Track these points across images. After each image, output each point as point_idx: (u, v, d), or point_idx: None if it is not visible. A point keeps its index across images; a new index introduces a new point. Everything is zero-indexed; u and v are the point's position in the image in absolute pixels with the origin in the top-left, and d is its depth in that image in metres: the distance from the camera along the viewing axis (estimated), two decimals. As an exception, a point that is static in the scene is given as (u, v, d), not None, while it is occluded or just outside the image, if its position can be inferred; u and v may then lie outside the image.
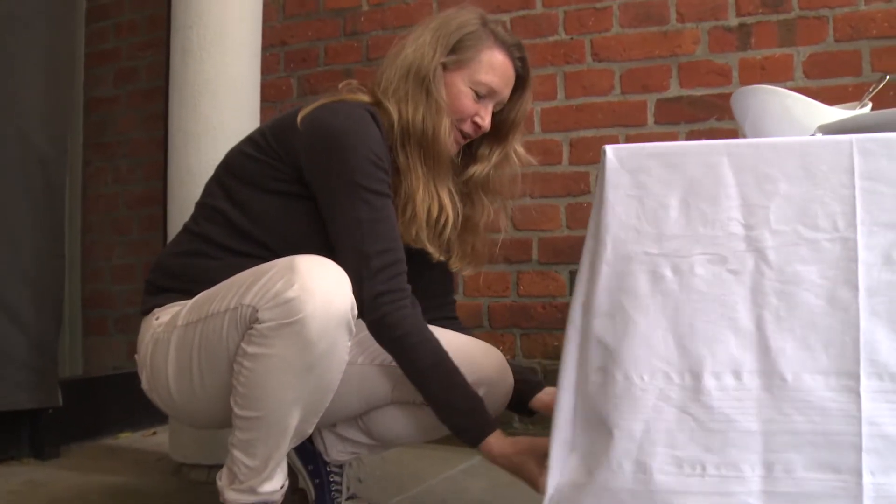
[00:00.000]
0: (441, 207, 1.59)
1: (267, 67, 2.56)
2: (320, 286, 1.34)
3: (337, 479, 1.81)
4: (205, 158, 2.10)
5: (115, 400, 2.65)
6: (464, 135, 1.63)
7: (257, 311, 1.34)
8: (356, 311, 1.40)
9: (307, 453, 1.79)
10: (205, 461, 2.11)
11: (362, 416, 1.72)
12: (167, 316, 1.55)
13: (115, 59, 3.32)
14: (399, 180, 1.59)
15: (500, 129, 1.68)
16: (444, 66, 1.57)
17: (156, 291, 1.63)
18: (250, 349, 1.36)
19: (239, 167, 1.61)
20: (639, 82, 2.41)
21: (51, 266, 2.34)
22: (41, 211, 2.30)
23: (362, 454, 1.82)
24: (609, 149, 1.16)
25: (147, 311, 1.61)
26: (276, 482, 1.47)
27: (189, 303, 1.52)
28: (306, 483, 1.81)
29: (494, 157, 1.68)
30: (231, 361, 1.42)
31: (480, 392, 1.57)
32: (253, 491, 1.44)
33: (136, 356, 1.62)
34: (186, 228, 1.67)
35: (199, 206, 1.67)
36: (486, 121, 1.62)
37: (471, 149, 1.70)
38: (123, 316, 3.24)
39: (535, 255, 2.49)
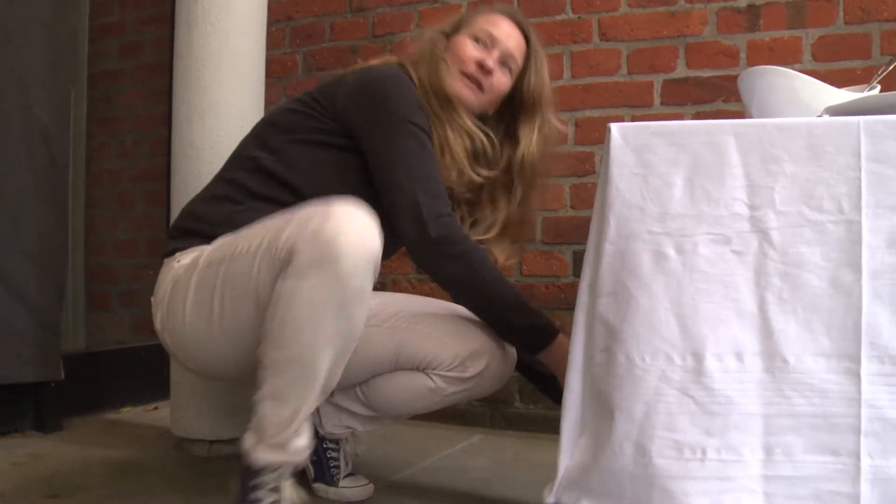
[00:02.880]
0: (473, 136, 1.71)
1: (272, 42, 2.54)
2: (354, 226, 1.38)
3: (334, 454, 1.82)
4: (209, 133, 2.09)
5: (118, 374, 2.66)
6: (471, 77, 1.72)
7: (293, 248, 1.37)
8: (380, 259, 1.43)
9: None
10: (206, 436, 2.11)
11: (363, 385, 1.73)
12: (188, 258, 1.58)
13: (119, 32, 3.31)
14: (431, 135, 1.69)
15: (525, 101, 1.78)
16: (446, 35, 1.76)
17: (179, 235, 1.67)
18: (286, 284, 1.38)
19: (279, 119, 1.72)
20: (646, 62, 2.40)
21: (54, 240, 2.34)
22: (44, 184, 2.29)
23: (356, 428, 1.83)
24: (614, 127, 1.16)
25: (170, 254, 1.64)
26: (305, 439, 1.46)
27: (212, 245, 1.56)
28: (306, 461, 1.81)
29: (535, 134, 1.79)
30: (256, 301, 1.44)
31: (481, 369, 1.66)
32: (282, 447, 1.43)
33: (152, 298, 1.65)
34: (218, 177, 1.74)
35: (233, 157, 1.75)
36: (489, 62, 1.72)
37: (509, 133, 1.80)
38: (127, 291, 3.25)
39: (539, 234, 2.48)
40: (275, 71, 2.75)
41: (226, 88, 2.11)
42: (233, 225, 1.57)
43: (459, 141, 1.69)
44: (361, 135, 1.64)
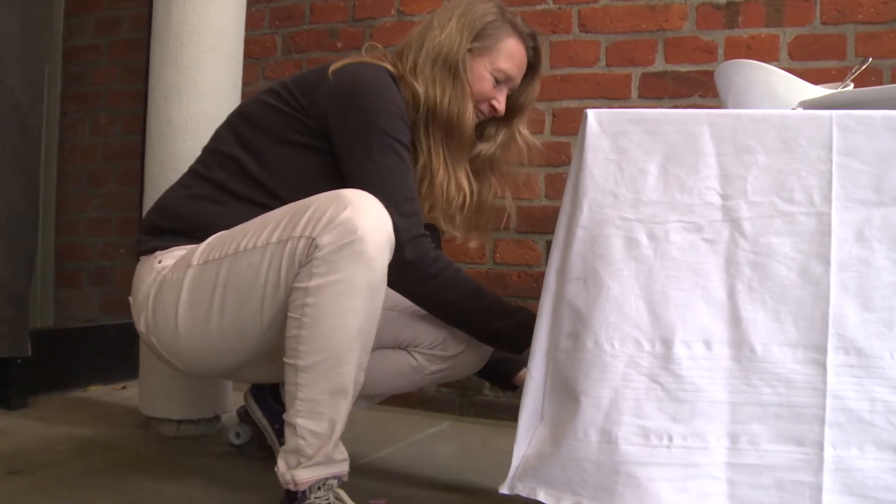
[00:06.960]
0: (459, 188, 1.68)
1: (252, 23, 2.52)
2: (369, 207, 1.38)
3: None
4: (185, 110, 2.07)
5: (86, 352, 2.64)
6: (479, 116, 1.73)
7: (314, 238, 1.35)
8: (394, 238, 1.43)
9: (273, 412, 1.79)
10: (174, 416, 2.10)
11: None
12: (171, 260, 1.55)
13: (96, 7, 3.26)
14: (416, 156, 1.66)
15: (508, 111, 1.78)
16: (470, 52, 1.67)
17: (157, 232, 1.62)
18: (313, 282, 1.35)
19: (258, 117, 1.64)
20: (625, 55, 2.41)
21: (23, 215, 2.30)
22: (15, 158, 2.26)
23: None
24: (590, 113, 1.16)
25: (148, 252, 1.59)
26: (344, 451, 1.44)
27: (203, 244, 1.52)
28: (273, 442, 1.81)
29: (500, 137, 1.79)
30: (263, 298, 1.42)
31: (463, 348, 1.73)
32: (329, 459, 1.40)
33: (130, 299, 1.60)
34: (195, 172, 1.67)
35: (210, 151, 1.69)
36: (501, 104, 1.73)
37: (478, 128, 1.78)
38: (97, 269, 3.22)
39: (512, 223, 2.49)
40: (253, 52, 2.73)
41: (204, 67, 2.09)
42: (217, 228, 1.53)
43: (445, 184, 1.66)
44: (338, 140, 1.58)
